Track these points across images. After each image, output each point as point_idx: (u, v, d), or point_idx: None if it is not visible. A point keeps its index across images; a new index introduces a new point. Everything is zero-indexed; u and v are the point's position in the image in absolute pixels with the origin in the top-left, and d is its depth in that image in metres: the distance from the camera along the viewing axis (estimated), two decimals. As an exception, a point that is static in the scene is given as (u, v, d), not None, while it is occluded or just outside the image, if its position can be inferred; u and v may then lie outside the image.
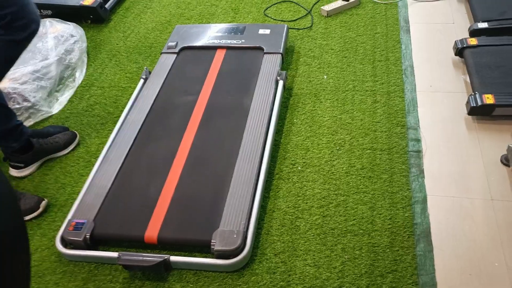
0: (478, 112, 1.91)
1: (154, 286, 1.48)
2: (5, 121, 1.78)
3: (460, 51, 2.21)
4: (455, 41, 2.25)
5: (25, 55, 2.28)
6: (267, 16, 2.73)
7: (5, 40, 1.61)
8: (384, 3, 2.71)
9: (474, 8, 2.45)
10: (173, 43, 2.38)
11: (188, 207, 1.62)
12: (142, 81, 2.22)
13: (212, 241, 1.49)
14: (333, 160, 1.83)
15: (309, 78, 2.25)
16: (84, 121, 2.15)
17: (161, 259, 1.47)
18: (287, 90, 2.19)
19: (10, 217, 0.49)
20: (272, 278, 1.48)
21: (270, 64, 2.19)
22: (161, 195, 1.66)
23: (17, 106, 2.10)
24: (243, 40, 2.34)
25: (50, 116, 2.19)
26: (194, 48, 2.36)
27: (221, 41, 2.36)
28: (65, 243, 1.59)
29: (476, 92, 1.93)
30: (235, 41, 2.34)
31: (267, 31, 2.38)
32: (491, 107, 1.88)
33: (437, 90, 2.12)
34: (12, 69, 2.15)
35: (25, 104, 2.12)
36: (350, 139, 1.91)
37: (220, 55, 2.29)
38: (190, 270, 1.52)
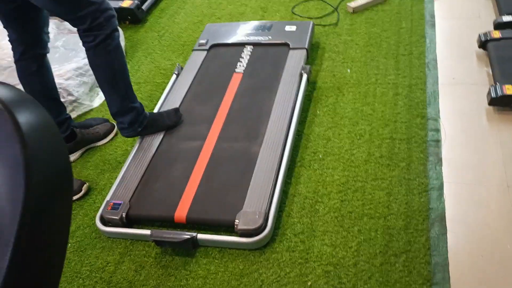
0: (498, 102, 1.95)
1: (183, 261, 1.62)
2: (57, 114, 1.97)
3: (483, 44, 2.24)
4: (479, 34, 2.28)
5: (69, 53, 2.48)
6: (295, 14, 2.84)
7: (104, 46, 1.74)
8: (410, -1, 2.76)
9: (500, 1, 2.46)
10: (204, 41, 2.52)
11: (214, 190, 1.75)
12: (174, 76, 2.37)
13: (236, 221, 1.61)
14: (353, 149, 1.92)
15: (333, 72, 2.33)
16: (122, 113, 2.31)
17: (189, 237, 1.60)
18: (311, 84, 2.28)
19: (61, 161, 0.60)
20: (291, 256, 1.58)
21: (295, 59, 2.29)
22: (190, 179, 1.80)
23: (62, 100, 2.27)
24: (270, 37, 2.45)
25: (91, 109, 2.37)
26: (224, 45, 2.49)
27: (249, 38, 2.48)
28: (104, 221, 1.75)
29: (497, 83, 1.97)
30: (262, 38, 2.46)
31: (293, 28, 2.49)
32: (511, 97, 1.91)
33: (460, 83, 2.16)
34: (57, 66, 2.35)
35: (69, 98, 2.31)
36: (370, 129, 1.99)
37: (248, 51, 2.41)
38: (216, 247, 1.64)
